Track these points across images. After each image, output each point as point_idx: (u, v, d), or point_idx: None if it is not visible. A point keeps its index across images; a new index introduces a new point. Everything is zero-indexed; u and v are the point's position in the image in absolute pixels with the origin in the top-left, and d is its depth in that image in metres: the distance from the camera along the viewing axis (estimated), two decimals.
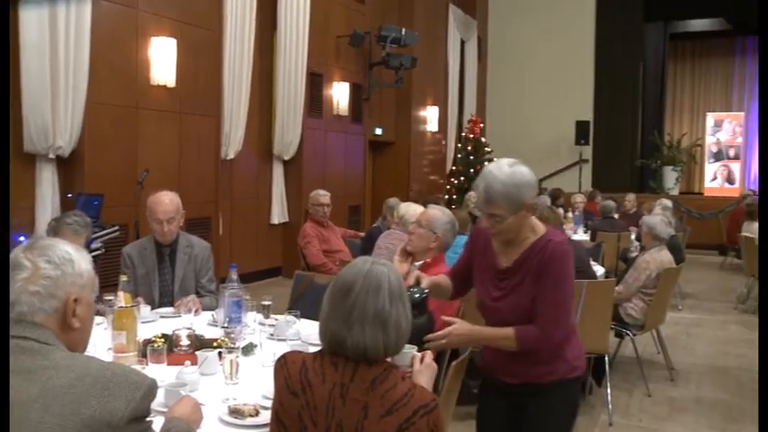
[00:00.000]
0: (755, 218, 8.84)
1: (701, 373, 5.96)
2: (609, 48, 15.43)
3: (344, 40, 10.82)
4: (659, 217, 6.15)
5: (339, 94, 10.91)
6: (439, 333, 2.48)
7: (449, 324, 2.51)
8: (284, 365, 1.91)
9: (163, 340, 2.82)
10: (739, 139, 16.20)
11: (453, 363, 2.78)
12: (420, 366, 2.07)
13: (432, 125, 13.76)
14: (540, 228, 2.57)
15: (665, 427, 4.75)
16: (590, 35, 15.61)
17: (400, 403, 1.79)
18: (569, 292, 2.53)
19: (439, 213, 3.68)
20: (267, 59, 9.51)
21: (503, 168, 2.46)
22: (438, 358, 3.17)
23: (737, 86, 18.17)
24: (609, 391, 4.94)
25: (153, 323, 3.48)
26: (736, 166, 16.02)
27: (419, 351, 2.15)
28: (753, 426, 4.79)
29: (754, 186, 17.17)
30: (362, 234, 7.49)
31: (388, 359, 1.91)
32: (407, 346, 2.02)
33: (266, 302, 3.60)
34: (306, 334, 3.13)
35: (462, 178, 13.62)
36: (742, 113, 17.01)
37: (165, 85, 7.43)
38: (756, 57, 17.99)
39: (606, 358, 5.02)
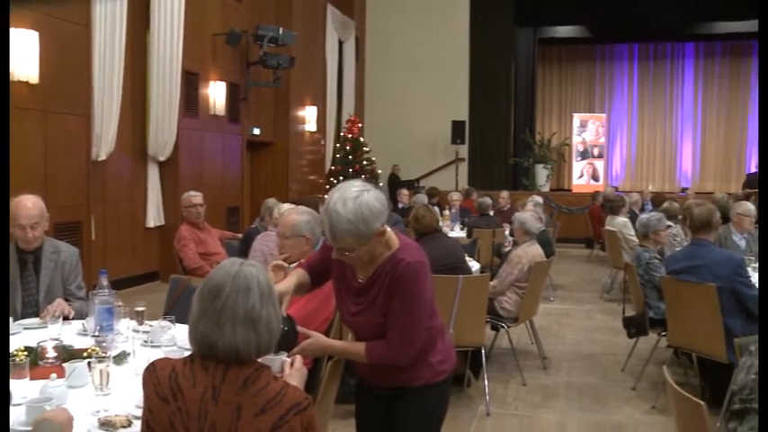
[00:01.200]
0: (617, 213, 9.39)
1: (570, 360, 6.26)
2: (482, 51, 15.93)
3: (221, 38, 10.63)
4: (530, 213, 6.42)
5: (216, 93, 10.70)
6: (295, 349, 2.42)
7: (307, 336, 2.51)
8: (153, 372, 1.88)
9: (26, 353, 2.68)
10: (602, 139, 17.17)
11: (330, 362, 2.80)
12: (290, 371, 2.08)
13: (310, 125, 13.74)
14: (394, 243, 2.51)
15: (538, 414, 4.96)
16: (464, 38, 16.07)
17: (273, 401, 1.80)
18: (421, 311, 2.49)
19: (297, 217, 3.58)
20: (140, 56, 9.19)
21: (347, 204, 2.32)
22: (317, 358, 3.19)
23: (599, 89, 19.25)
24: (486, 382, 5.10)
25: (16, 335, 3.29)
26: (600, 164, 16.96)
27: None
28: (617, 406, 5.11)
29: (616, 183, 18.25)
30: (240, 236, 7.38)
31: (260, 360, 1.90)
32: (278, 353, 2.04)
33: (140, 308, 3.49)
34: (182, 339, 3.06)
35: (341, 178, 13.66)
36: (604, 115, 18.06)
37: (26, 81, 7.02)
38: (615, 63, 19.16)
39: (483, 351, 5.19)
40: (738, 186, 15.34)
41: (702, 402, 2.43)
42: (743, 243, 6.76)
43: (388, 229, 2.48)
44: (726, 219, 6.88)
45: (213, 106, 10.66)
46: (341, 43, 15.04)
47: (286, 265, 2.69)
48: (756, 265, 5.84)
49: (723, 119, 18.77)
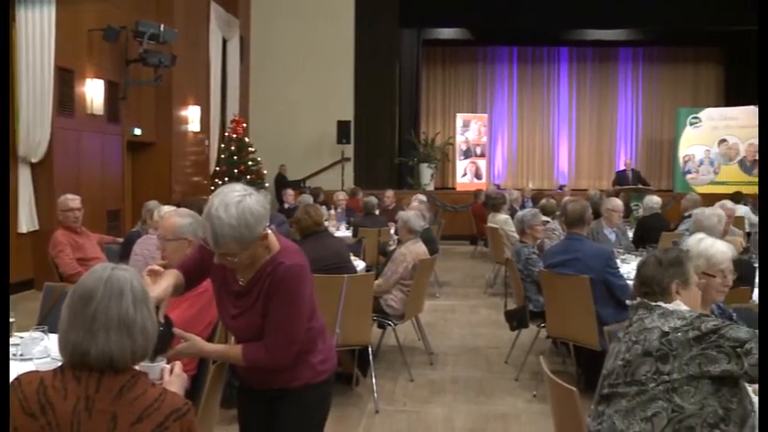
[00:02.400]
0: (498, 210, 9.71)
1: (456, 355, 6.41)
2: (367, 51, 16.03)
3: (98, 34, 10.20)
4: (413, 211, 6.53)
5: (93, 91, 10.26)
6: (170, 352, 2.39)
7: (185, 339, 2.48)
8: (17, 387, 1.80)
9: None
10: (484, 139, 17.70)
11: (213, 365, 2.76)
12: (170, 377, 2.05)
13: (194, 125, 13.42)
14: (275, 245, 2.52)
15: (426, 409, 5.06)
16: (350, 38, 16.12)
17: (151, 408, 1.76)
18: (300, 313, 2.51)
19: (179, 219, 3.50)
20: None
21: (230, 209, 2.30)
22: (201, 361, 3.14)
23: (481, 90, 19.83)
24: (374, 380, 5.16)
25: None
26: (482, 163, 17.48)
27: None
28: (501, 396, 5.29)
29: (498, 181, 18.86)
30: (121, 240, 7.14)
31: (137, 366, 1.86)
32: (157, 358, 2.00)
33: (9, 319, 3.32)
34: (56, 350, 2.91)
35: (227, 179, 13.43)
36: (486, 115, 18.61)
37: None
38: (496, 65, 19.79)
39: (370, 349, 5.25)
40: (609, 183, 16.17)
41: (575, 389, 2.57)
42: (613, 236, 7.16)
43: (270, 231, 2.48)
44: (597, 214, 7.27)
45: (90, 105, 10.22)
46: (225, 42, 14.77)
47: (162, 270, 2.63)
48: (625, 257, 6.21)
49: (595, 120, 19.77)
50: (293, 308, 2.48)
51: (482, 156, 17.49)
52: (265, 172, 14.28)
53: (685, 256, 2.74)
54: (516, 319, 5.79)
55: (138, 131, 11.71)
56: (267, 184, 14.43)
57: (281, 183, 14.78)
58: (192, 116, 13.34)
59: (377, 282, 5.53)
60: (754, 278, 4.98)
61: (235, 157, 13.68)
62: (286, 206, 11.31)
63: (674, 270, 2.66)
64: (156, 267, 2.62)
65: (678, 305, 2.58)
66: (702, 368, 2.35)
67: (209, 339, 3.03)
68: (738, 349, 2.32)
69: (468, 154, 17.32)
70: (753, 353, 2.29)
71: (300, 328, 2.53)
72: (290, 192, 11.88)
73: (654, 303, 2.60)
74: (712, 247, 3.19)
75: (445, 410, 5.03)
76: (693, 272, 2.73)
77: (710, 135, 16.84)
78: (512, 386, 5.53)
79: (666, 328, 2.44)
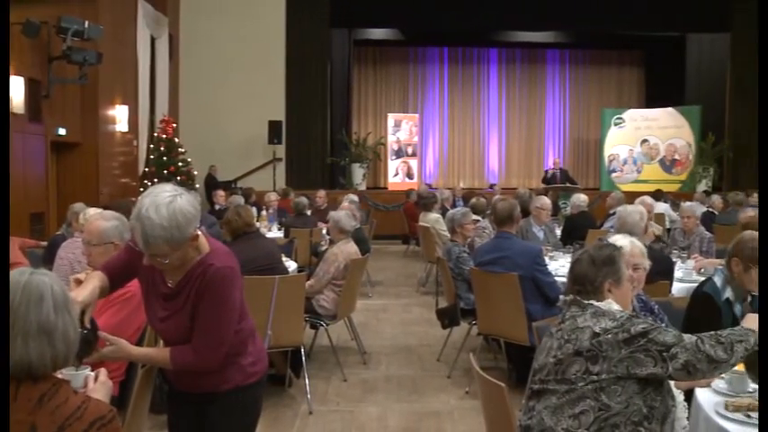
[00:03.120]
0: (429, 209, 9.82)
1: (389, 354, 6.46)
2: (298, 50, 15.93)
3: (16, 28, 9.84)
4: (345, 211, 6.55)
5: (13, 89, 9.90)
6: (95, 356, 2.35)
7: (111, 343, 2.44)
8: None
9: None
10: (416, 138, 17.84)
11: (142, 370, 2.72)
12: (94, 385, 2.01)
13: (121, 125, 13.08)
14: (205, 247, 2.50)
15: (359, 408, 5.08)
16: (281, 38, 15.99)
17: (73, 417, 1.72)
18: (229, 316, 2.50)
19: (104, 223, 3.42)
20: None
21: (161, 210, 2.29)
22: (130, 366, 3.09)
23: (412, 90, 19.99)
24: (307, 381, 5.16)
25: None
26: (414, 163, 17.61)
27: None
28: (434, 394, 5.35)
29: (430, 180, 19.05)
30: (45, 243, 6.92)
31: (59, 374, 1.82)
32: (81, 367, 1.97)
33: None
34: None
35: (156, 180, 13.15)
36: (417, 115, 18.77)
37: None
38: (427, 65, 19.98)
39: (303, 350, 5.25)
40: (539, 182, 16.53)
41: (504, 385, 2.62)
42: (541, 234, 7.33)
43: (199, 233, 2.46)
44: (526, 212, 7.43)
45: (10, 104, 9.86)
46: (153, 40, 14.45)
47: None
48: (553, 254, 6.37)
49: (524, 120, 20.18)
50: (222, 310, 2.47)
51: (413, 155, 17.62)
52: (195, 173, 14.06)
53: (618, 255, 2.77)
54: (448, 317, 5.86)
55: (62, 131, 11.34)
56: (197, 185, 14.21)
57: (212, 184, 14.57)
58: (119, 116, 13.01)
59: (309, 282, 5.53)
60: (672, 273, 5.19)
61: (164, 158, 13.40)
62: (217, 207, 11.16)
63: (607, 269, 2.71)
64: (82, 277, 2.56)
65: (610, 304, 2.64)
66: (630, 370, 2.44)
67: (138, 344, 2.97)
68: (665, 353, 2.41)
69: (399, 154, 17.43)
70: (678, 357, 2.39)
71: (230, 330, 2.51)
72: (220, 193, 11.72)
73: (586, 302, 2.65)
74: (626, 246, 3.31)
75: (379, 409, 5.07)
76: (626, 269, 2.77)
77: (633, 135, 17.41)
78: (444, 383, 5.60)
79: (597, 329, 2.50)
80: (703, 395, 2.78)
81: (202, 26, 15.73)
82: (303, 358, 5.24)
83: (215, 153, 15.26)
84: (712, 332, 2.49)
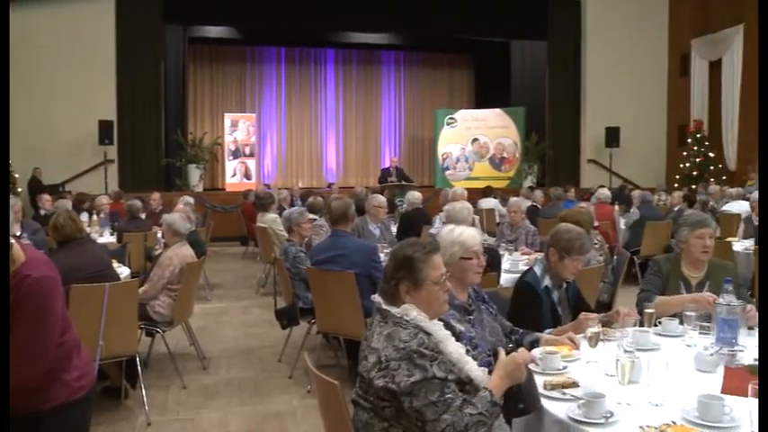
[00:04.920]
0: (267, 209, 9.79)
1: (229, 357, 6.40)
2: (130, 48, 15.21)
3: None
4: (178, 214, 6.41)
5: None
6: None
7: None
8: None
9: None
10: (253, 139, 17.68)
11: None
12: None
13: None
14: (20, 257, 2.37)
15: (200, 415, 5.01)
16: (110, 33, 15.15)
17: None
18: (50, 328, 2.38)
19: None
20: None
21: None
22: None
23: (249, 90, 19.76)
24: (144, 391, 5.02)
25: None
26: (252, 163, 17.43)
27: None
28: (276, 395, 5.38)
29: (269, 181, 18.93)
30: None
31: None
32: None
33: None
34: None
35: None
36: (254, 114, 18.58)
37: None
38: (264, 65, 19.85)
39: (138, 359, 5.07)
40: (376, 181, 16.87)
41: (336, 382, 2.69)
42: (377, 232, 7.53)
43: (13, 242, 2.33)
44: (362, 210, 7.60)
45: None
46: None
47: None
48: (388, 250, 6.55)
49: (361, 120, 20.54)
50: (42, 323, 2.35)
51: (251, 156, 17.44)
52: (17, 176, 13.14)
53: (421, 257, 2.67)
54: (287, 317, 5.89)
55: None
56: (20, 189, 13.31)
57: (36, 187, 13.65)
58: None
59: (142, 288, 5.37)
60: (499, 264, 5.53)
61: None
62: (42, 212, 10.48)
63: (403, 272, 2.66)
64: None
65: (408, 310, 2.62)
66: (386, 414, 2.54)
67: None
68: (419, 423, 2.47)
69: (237, 154, 17.19)
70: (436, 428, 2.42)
71: (51, 343, 2.39)
72: (45, 197, 11.02)
73: (385, 308, 2.65)
74: (463, 234, 3.48)
75: (220, 414, 5.01)
76: (430, 270, 2.68)
77: (465, 134, 18.23)
78: (286, 384, 5.63)
79: (383, 356, 2.51)
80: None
81: (28, 16, 14.43)
82: (139, 367, 5.07)
83: (40, 154, 14.31)
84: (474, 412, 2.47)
